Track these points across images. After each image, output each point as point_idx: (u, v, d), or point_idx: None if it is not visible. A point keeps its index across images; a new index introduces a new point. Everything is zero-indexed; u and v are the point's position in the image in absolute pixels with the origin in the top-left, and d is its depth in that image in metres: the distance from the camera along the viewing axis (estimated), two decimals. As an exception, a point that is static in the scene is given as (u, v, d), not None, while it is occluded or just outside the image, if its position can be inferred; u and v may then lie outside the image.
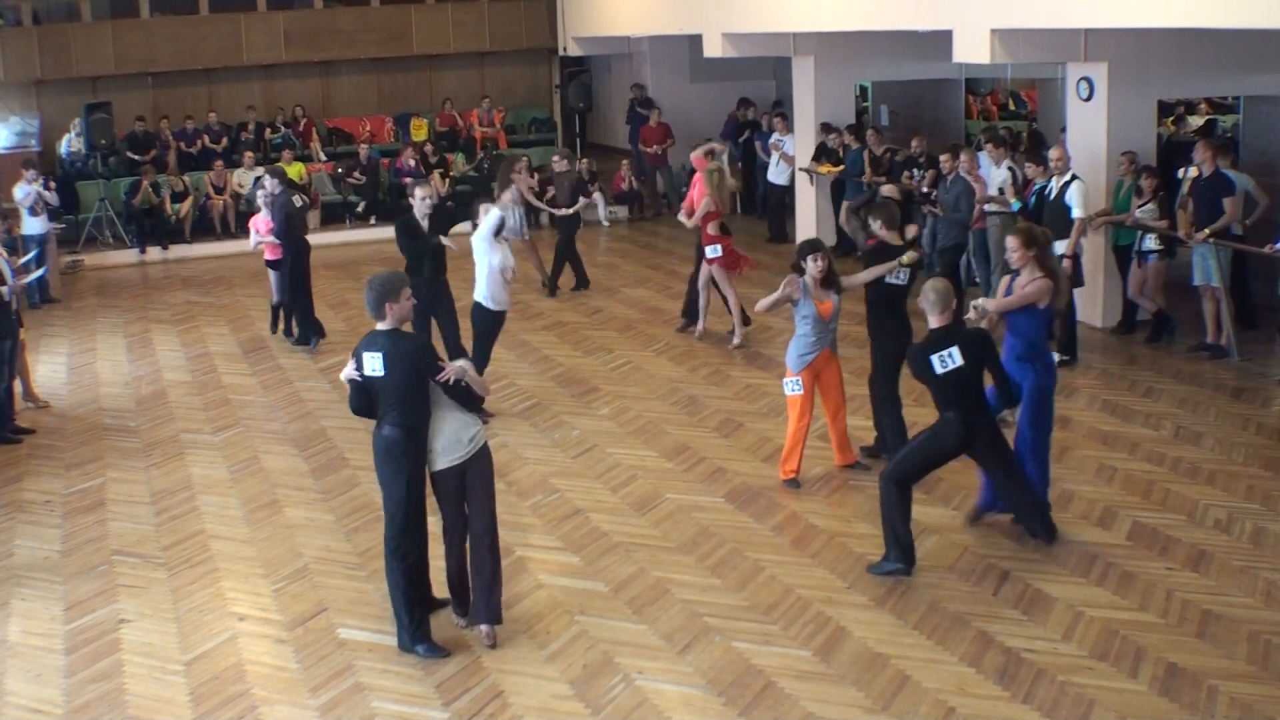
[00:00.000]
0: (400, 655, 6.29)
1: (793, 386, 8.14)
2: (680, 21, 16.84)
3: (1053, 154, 10.80)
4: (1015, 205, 11.54)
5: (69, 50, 19.64)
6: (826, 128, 15.80)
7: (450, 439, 6.15)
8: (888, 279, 8.18)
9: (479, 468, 6.25)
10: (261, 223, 12.27)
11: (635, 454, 9.11)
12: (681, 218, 11.86)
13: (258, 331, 12.88)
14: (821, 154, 15.87)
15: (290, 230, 12.18)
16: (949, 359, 6.79)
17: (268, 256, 12.50)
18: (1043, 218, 10.88)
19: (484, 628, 6.34)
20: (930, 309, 6.92)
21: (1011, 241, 7.38)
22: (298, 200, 13.06)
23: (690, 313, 12.28)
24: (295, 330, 12.59)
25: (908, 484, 7.00)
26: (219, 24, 20.46)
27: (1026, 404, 7.38)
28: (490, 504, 6.28)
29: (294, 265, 12.23)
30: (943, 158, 12.38)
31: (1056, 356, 10.60)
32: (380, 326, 6.17)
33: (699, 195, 11.56)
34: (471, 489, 6.26)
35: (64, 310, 14.92)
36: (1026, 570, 6.97)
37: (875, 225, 8.41)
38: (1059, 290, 7.34)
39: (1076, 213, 10.51)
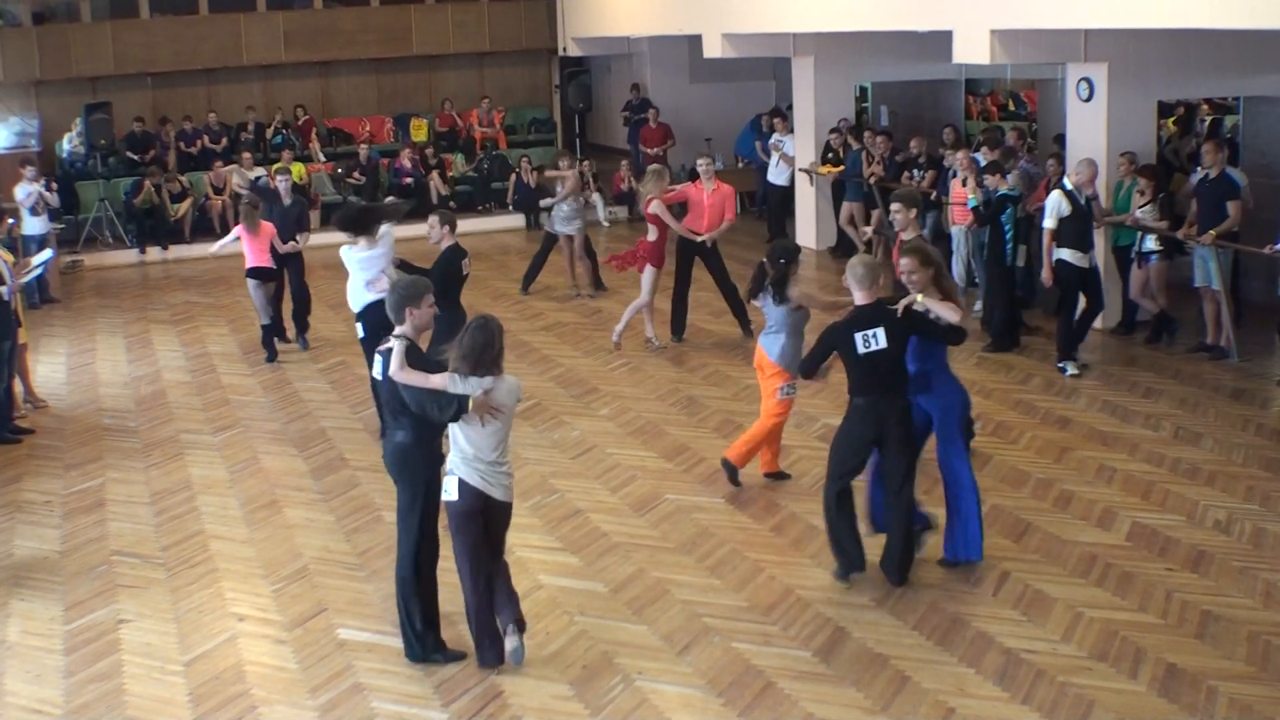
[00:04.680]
0: (400, 656, 6.28)
1: (792, 391, 8.12)
2: (680, 22, 16.84)
3: (1085, 174, 10.68)
4: (972, 202, 11.51)
5: (69, 50, 19.64)
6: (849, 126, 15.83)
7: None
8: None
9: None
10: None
11: (635, 454, 9.11)
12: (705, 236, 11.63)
13: (257, 332, 12.83)
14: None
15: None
16: (873, 339, 6.57)
17: (266, 264, 11.93)
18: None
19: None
20: (856, 285, 6.70)
21: (907, 263, 6.84)
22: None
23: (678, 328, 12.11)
24: (290, 336, 12.60)
25: (843, 491, 6.85)
26: (218, 24, 20.48)
27: (946, 433, 6.97)
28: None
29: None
30: (957, 156, 12.36)
31: (1070, 371, 10.49)
32: (401, 330, 6.15)
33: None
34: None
35: (63, 310, 14.92)
36: (1026, 571, 6.97)
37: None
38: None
39: (1046, 223, 10.49)
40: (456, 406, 5.78)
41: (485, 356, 5.80)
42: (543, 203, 14.21)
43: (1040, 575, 6.90)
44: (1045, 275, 10.65)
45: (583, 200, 14.36)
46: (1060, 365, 10.54)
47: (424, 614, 6.19)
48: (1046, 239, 10.50)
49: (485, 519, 5.95)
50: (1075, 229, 10.38)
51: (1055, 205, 10.41)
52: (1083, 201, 10.42)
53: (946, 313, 6.66)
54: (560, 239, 14.18)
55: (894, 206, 8.62)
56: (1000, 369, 10.75)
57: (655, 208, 11.35)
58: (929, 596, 6.71)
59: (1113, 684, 5.79)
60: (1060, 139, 13.46)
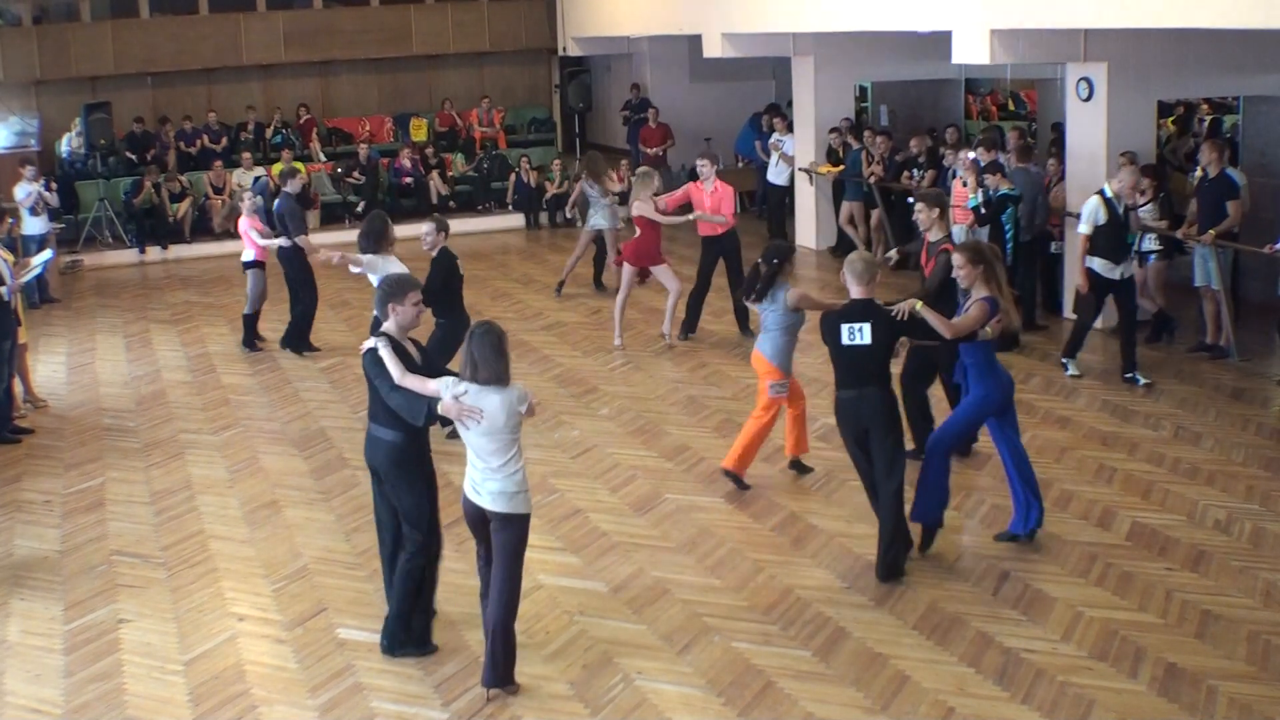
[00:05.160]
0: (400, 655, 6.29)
1: (782, 390, 8.14)
2: (680, 21, 16.84)
3: (1127, 181, 10.12)
4: (972, 201, 11.45)
5: (69, 50, 19.64)
6: (850, 126, 15.80)
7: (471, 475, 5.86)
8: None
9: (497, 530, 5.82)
10: (250, 224, 12.15)
11: (635, 454, 9.11)
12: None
13: (257, 332, 12.87)
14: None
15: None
16: (858, 333, 6.74)
17: (258, 258, 12.26)
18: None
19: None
20: (854, 280, 6.85)
21: (957, 258, 7.04)
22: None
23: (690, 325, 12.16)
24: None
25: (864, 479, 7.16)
26: (218, 24, 20.48)
27: (958, 411, 7.20)
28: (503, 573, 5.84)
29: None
30: (959, 156, 12.38)
31: (1142, 380, 10.12)
32: (385, 327, 6.15)
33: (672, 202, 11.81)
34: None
35: (63, 310, 14.92)
36: (1026, 570, 6.97)
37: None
38: (1002, 311, 6.93)
39: (1080, 229, 10.19)
40: (425, 409, 5.74)
41: (497, 363, 5.67)
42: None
43: (1040, 575, 6.90)
44: (1080, 283, 10.26)
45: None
46: (1062, 361, 10.51)
47: (425, 608, 6.25)
48: (1080, 245, 10.16)
49: (486, 534, 5.86)
50: (1108, 238, 9.95)
51: (1092, 212, 10.00)
52: (1120, 210, 9.98)
53: (938, 325, 6.77)
54: (603, 234, 14.13)
55: (917, 206, 8.62)
56: (1000, 369, 10.73)
57: (637, 209, 11.53)
58: (929, 596, 6.71)
59: (1113, 683, 5.79)
60: (1058, 127, 13.42)
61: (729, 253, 11.89)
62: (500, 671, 5.87)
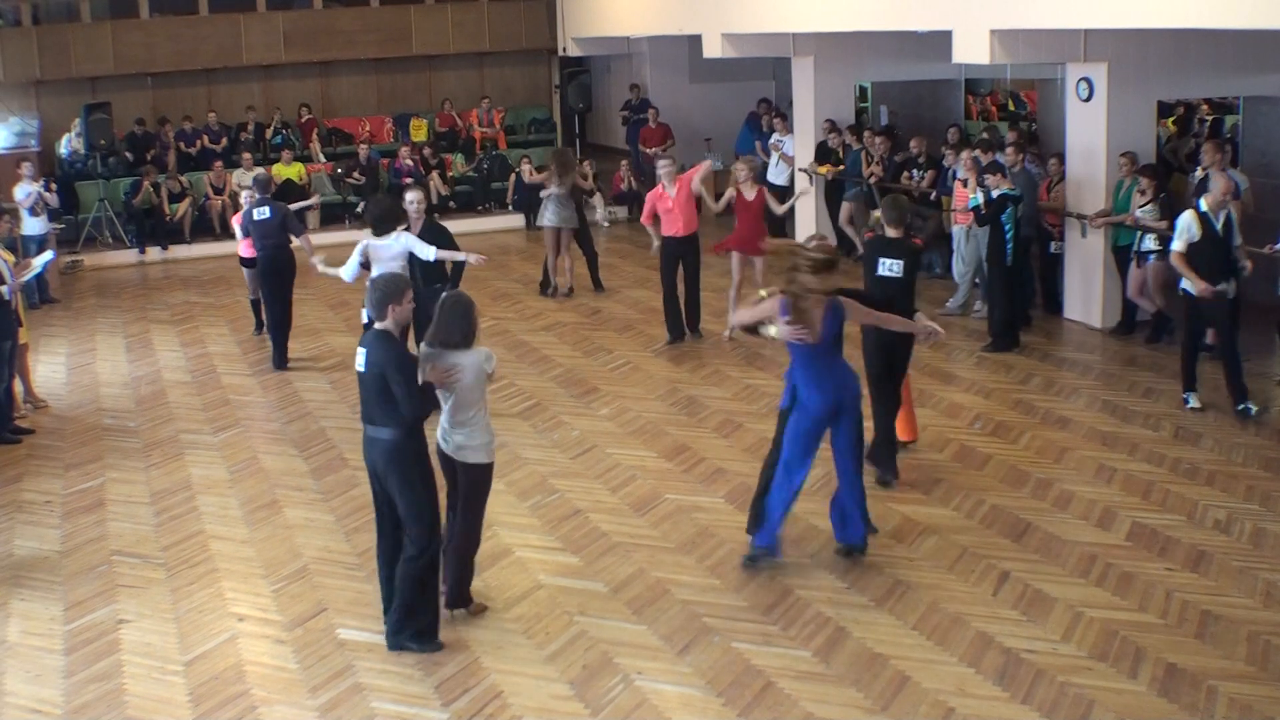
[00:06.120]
0: (400, 655, 6.29)
1: None
2: (680, 22, 16.85)
3: (1219, 187, 9.36)
4: (973, 201, 11.41)
5: (68, 50, 19.66)
6: (832, 125, 15.76)
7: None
8: (881, 271, 8.19)
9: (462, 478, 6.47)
10: (238, 220, 12.52)
11: (635, 454, 9.11)
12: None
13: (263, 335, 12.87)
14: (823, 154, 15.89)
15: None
16: None
17: (245, 254, 12.41)
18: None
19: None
20: None
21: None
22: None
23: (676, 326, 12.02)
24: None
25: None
26: (218, 24, 20.49)
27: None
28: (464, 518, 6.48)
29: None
30: (960, 157, 12.37)
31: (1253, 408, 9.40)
32: (379, 326, 6.19)
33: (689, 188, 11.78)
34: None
35: (63, 310, 14.93)
36: (1026, 571, 6.97)
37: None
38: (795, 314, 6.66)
39: (1175, 245, 9.33)
40: (420, 395, 6.07)
41: (465, 326, 6.22)
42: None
43: (1040, 575, 6.90)
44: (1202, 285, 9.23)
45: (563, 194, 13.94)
46: (1241, 407, 9.35)
47: (431, 607, 6.34)
48: (1177, 264, 9.31)
49: (455, 478, 6.45)
50: (1205, 255, 9.19)
51: (1185, 227, 9.20)
52: (1218, 226, 9.19)
53: (745, 308, 7.20)
54: (560, 233, 14.03)
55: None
56: (1000, 369, 10.75)
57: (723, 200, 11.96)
58: (929, 596, 6.71)
59: (1113, 684, 5.79)
60: (1018, 129, 13.33)
61: (687, 255, 11.79)
62: (458, 593, 6.56)
